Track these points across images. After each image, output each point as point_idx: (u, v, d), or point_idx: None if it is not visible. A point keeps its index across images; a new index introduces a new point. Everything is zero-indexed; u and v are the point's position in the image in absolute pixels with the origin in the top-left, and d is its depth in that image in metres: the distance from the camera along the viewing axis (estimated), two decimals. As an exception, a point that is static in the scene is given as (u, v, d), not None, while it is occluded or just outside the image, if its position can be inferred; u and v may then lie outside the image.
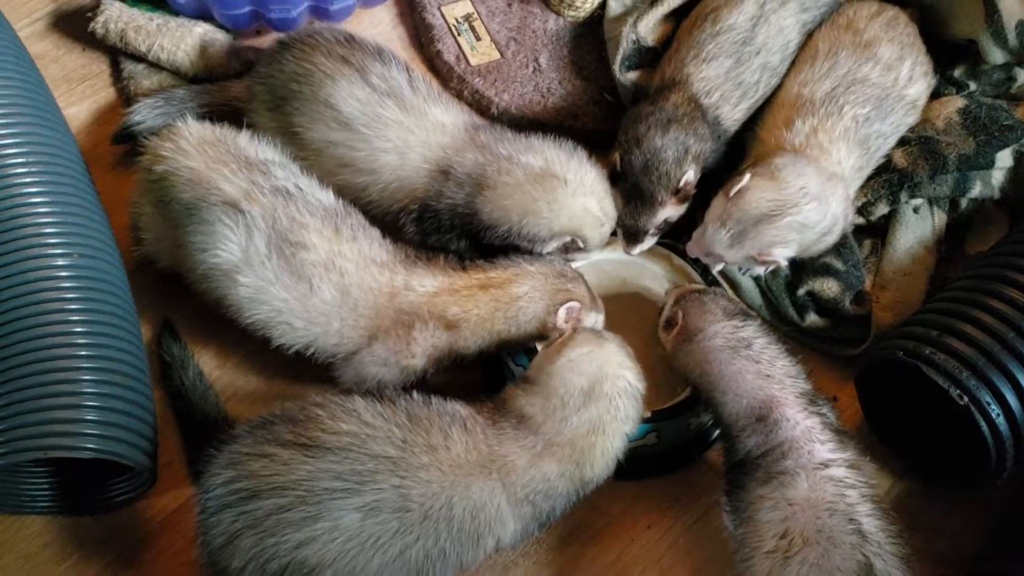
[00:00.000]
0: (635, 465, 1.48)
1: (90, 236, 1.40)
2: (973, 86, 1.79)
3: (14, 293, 1.29)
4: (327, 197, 1.45)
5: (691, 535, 1.51)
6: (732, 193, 1.48)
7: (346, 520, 1.18)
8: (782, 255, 1.52)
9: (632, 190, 1.57)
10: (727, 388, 1.36)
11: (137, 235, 1.52)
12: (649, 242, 1.60)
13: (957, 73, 1.80)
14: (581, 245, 1.53)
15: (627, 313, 1.61)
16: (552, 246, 1.52)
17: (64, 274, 1.32)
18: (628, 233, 1.59)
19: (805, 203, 1.49)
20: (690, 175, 1.58)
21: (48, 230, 1.35)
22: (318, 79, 1.51)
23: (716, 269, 1.61)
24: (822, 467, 1.29)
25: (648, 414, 1.47)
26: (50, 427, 1.22)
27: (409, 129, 1.49)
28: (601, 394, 1.30)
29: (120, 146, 1.70)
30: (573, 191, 1.49)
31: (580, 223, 1.51)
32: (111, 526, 1.44)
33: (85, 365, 1.27)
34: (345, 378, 1.42)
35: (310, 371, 1.49)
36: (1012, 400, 1.39)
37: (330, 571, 1.19)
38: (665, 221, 1.59)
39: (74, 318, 1.30)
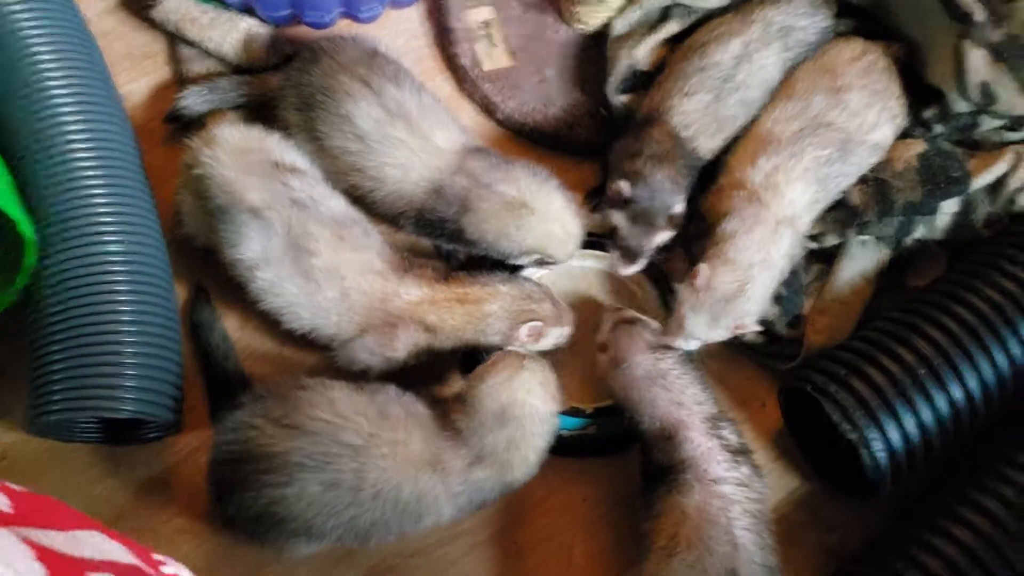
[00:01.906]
0: (576, 447, 1.76)
1: (139, 223, 1.66)
2: (940, 128, 1.91)
3: (74, 275, 1.57)
4: (337, 206, 1.69)
5: (619, 509, 1.79)
6: (698, 284, 1.67)
7: (309, 489, 1.48)
8: (752, 322, 1.72)
9: (638, 215, 1.79)
10: (644, 411, 1.62)
11: (178, 219, 1.78)
12: (642, 263, 1.82)
13: (928, 114, 1.91)
14: (549, 260, 1.78)
15: (590, 314, 1.85)
16: (523, 261, 1.77)
17: (116, 259, 1.59)
18: (628, 253, 1.81)
19: (758, 274, 1.68)
20: (680, 206, 1.81)
21: (105, 219, 1.61)
22: (340, 96, 1.73)
23: (694, 348, 1.78)
24: (714, 483, 1.55)
25: (590, 410, 1.76)
26: (97, 391, 1.52)
27: (413, 151, 1.72)
28: (511, 417, 1.55)
29: (170, 124, 1.93)
30: (539, 218, 1.72)
31: (544, 244, 1.74)
32: (145, 456, 1.74)
33: (127, 339, 1.55)
34: (340, 359, 1.70)
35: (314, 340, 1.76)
36: (894, 438, 1.63)
37: (293, 524, 1.50)
38: (659, 245, 1.82)
39: (121, 298, 1.57)
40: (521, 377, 1.59)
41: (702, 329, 1.71)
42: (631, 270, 1.83)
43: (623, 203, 1.80)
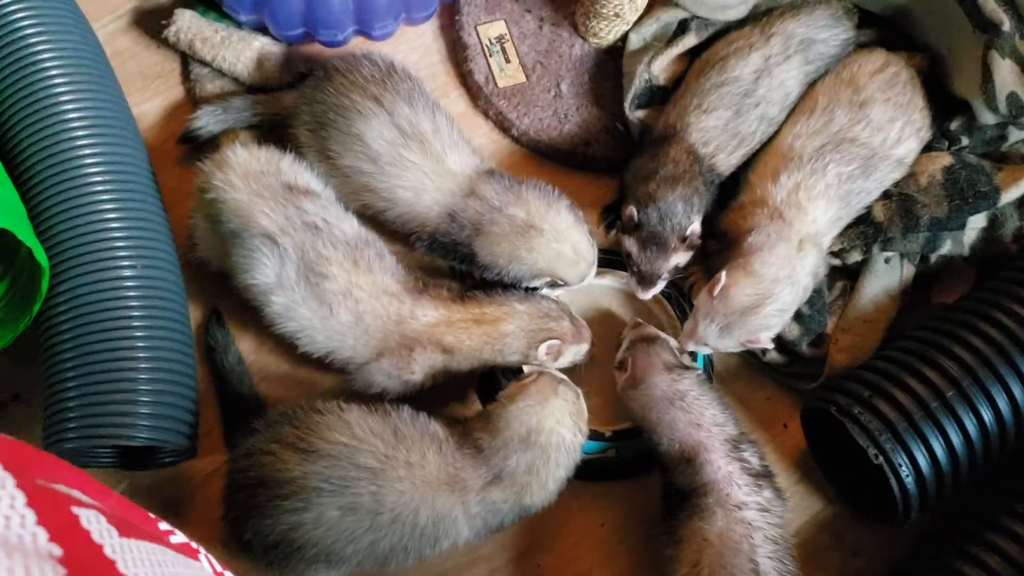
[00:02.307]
0: (596, 470, 1.73)
1: (153, 246, 1.65)
2: (966, 141, 1.88)
3: (88, 299, 1.56)
4: (350, 228, 1.67)
5: (638, 533, 1.76)
6: (716, 292, 1.64)
7: (328, 514, 1.46)
8: (767, 338, 1.69)
9: (648, 239, 1.76)
10: (663, 433, 1.59)
11: (192, 243, 1.76)
12: (660, 286, 1.80)
13: (954, 126, 1.88)
14: (561, 282, 1.75)
15: (609, 333, 1.83)
16: (536, 284, 1.75)
17: (130, 284, 1.58)
18: (643, 278, 1.78)
19: (780, 291, 1.65)
20: (695, 226, 1.77)
21: (119, 244, 1.60)
22: (353, 116, 1.71)
23: (705, 352, 1.77)
24: (737, 509, 1.52)
25: (608, 433, 1.73)
26: (112, 419, 1.50)
27: (426, 173, 1.70)
28: (536, 444, 1.53)
29: (184, 144, 1.91)
30: (548, 239, 1.70)
31: (555, 265, 1.72)
32: (159, 480, 1.73)
33: (142, 366, 1.54)
34: (356, 383, 1.68)
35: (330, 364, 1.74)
36: (923, 463, 1.59)
37: (312, 551, 1.48)
38: (675, 267, 1.79)
39: (136, 324, 1.56)
40: (553, 404, 1.56)
41: (713, 337, 1.68)
42: (648, 295, 1.80)
43: (634, 228, 1.77)
